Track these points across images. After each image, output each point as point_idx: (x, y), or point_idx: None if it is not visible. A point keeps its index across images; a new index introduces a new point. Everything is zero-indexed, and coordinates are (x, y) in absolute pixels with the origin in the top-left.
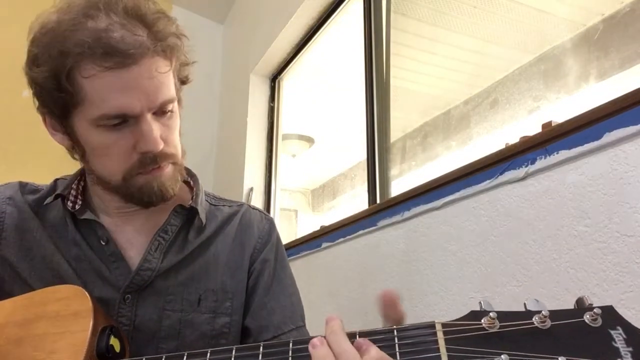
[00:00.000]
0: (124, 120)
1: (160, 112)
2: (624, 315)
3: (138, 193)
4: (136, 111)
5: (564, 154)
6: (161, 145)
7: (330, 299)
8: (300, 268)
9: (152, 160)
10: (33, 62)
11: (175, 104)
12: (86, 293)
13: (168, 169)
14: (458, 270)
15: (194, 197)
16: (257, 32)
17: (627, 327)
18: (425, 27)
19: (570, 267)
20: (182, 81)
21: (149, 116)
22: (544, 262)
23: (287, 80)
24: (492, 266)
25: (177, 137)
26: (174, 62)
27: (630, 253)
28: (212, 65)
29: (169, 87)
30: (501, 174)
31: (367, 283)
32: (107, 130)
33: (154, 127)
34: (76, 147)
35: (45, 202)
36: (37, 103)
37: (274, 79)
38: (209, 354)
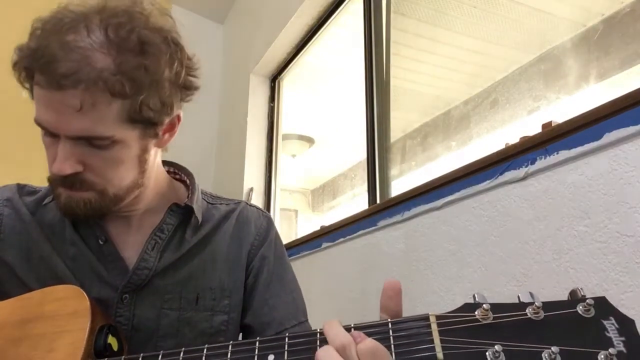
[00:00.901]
0: (53, 134)
1: (88, 141)
2: None
3: (55, 199)
4: (54, 131)
5: (564, 154)
6: (67, 171)
7: (330, 299)
8: (300, 268)
9: (61, 181)
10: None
11: (123, 140)
12: (83, 293)
13: (82, 194)
14: (458, 270)
15: (190, 195)
16: (257, 32)
17: (619, 317)
18: (425, 27)
19: (570, 267)
20: (143, 120)
21: (67, 140)
22: (544, 262)
23: (287, 80)
24: (492, 266)
25: (114, 171)
26: (122, 100)
27: (630, 253)
28: (212, 65)
29: (101, 123)
30: (501, 174)
31: (367, 283)
32: (44, 134)
33: (67, 152)
34: None
35: (44, 202)
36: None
37: (274, 79)
38: (205, 350)
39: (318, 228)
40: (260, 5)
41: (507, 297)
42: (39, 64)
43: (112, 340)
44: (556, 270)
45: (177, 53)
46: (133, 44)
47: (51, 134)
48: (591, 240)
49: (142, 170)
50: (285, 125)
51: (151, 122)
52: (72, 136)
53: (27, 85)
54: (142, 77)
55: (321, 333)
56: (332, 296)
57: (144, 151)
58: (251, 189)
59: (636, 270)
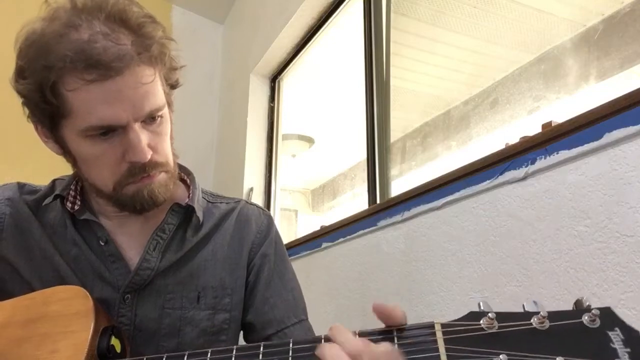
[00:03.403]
0: (111, 130)
1: (149, 119)
2: (624, 316)
3: (130, 201)
4: (122, 122)
5: (564, 154)
6: (149, 155)
7: (330, 299)
8: (300, 268)
9: (141, 169)
10: (19, 74)
11: (165, 109)
12: (87, 293)
13: (159, 177)
14: (458, 270)
15: (191, 195)
16: (257, 32)
17: (625, 328)
18: (425, 27)
19: (570, 267)
20: (172, 86)
21: (136, 126)
22: (544, 262)
23: (287, 80)
24: (492, 266)
25: (167, 143)
26: (161, 68)
27: (630, 253)
28: (212, 65)
29: (156, 95)
30: (501, 174)
31: (367, 283)
32: (95, 141)
33: (142, 137)
34: (67, 155)
35: (44, 203)
36: (27, 112)
37: (274, 79)
38: (209, 354)
39: (318, 228)
40: (260, 5)
41: (507, 297)
42: (82, 64)
43: (115, 342)
44: (556, 270)
45: (157, 22)
46: (137, 20)
47: (107, 132)
48: (591, 240)
49: (172, 142)
50: (285, 125)
51: (174, 86)
52: (144, 115)
53: (54, 100)
54: (159, 45)
55: (326, 338)
56: (332, 296)
57: (171, 123)
58: (251, 189)
59: (636, 270)
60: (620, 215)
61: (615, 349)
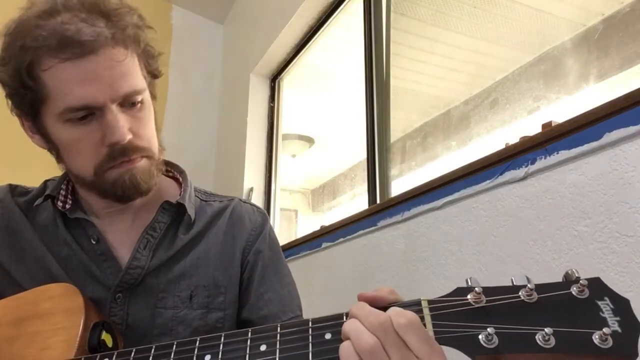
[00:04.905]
0: (90, 113)
1: (128, 103)
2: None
3: (111, 188)
4: (99, 102)
5: (564, 154)
6: (128, 137)
7: (330, 299)
8: (300, 268)
9: (120, 152)
10: (1, 63)
11: (147, 96)
12: (77, 290)
13: (141, 163)
14: (458, 270)
15: (182, 193)
16: (257, 32)
17: (614, 297)
18: (425, 27)
19: (570, 267)
20: (153, 75)
21: (114, 107)
22: (544, 262)
23: (287, 80)
24: (492, 266)
25: (150, 130)
26: (136, 49)
27: (630, 253)
28: (212, 65)
29: (134, 77)
30: (501, 174)
31: (367, 283)
32: (74, 125)
33: (120, 118)
34: (51, 146)
35: (35, 204)
36: (10, 105)
37: (274, 79)
38: (197, 342)
39: (318, 228)
40: (260, 5)
41: None
42: (55, 43)
43: (106, 337)
44: (556, 270)
45: (133, 10)
46: (111, 8)
47: (86, 116)
48: (591, 240)
49: (158, 133)
50: (285, 125)
51: (154, 74)
52: (120, 95)
53: (32, 83)
54: (133, 29)
55: (313, 321)
56: (332, 296)
57: (154, 112)
58: (251, 189)
59: (636, 270)
60: (620, 215)
61: (604, 318)
